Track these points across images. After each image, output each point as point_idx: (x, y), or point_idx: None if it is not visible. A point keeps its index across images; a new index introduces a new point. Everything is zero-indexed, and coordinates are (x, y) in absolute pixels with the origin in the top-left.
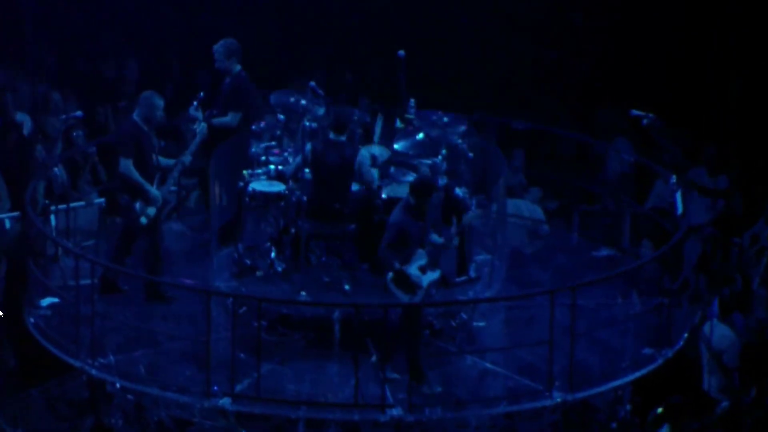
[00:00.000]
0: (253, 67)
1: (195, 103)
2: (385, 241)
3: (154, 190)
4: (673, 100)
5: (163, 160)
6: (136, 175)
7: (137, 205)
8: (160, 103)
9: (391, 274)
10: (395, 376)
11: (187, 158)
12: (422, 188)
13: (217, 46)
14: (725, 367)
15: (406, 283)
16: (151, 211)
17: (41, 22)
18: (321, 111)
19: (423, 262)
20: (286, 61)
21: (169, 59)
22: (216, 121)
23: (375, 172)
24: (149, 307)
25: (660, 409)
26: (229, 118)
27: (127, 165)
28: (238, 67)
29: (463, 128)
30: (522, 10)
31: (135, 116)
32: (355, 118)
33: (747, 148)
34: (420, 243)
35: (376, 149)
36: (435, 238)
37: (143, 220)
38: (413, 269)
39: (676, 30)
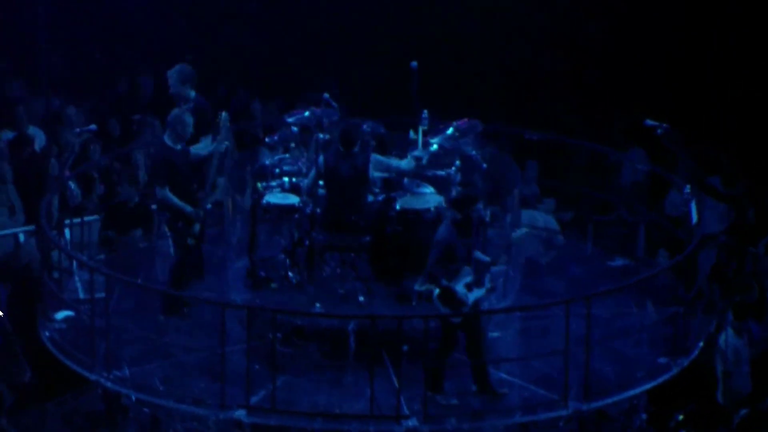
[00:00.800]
0: (268, 79)
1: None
2: (433, 258)
3: (191, 209)
4: (687, 109)
5: (194, 149)
6: (175, 200)
7: (180, 225)
8: (190, 120)
9: (437, 291)
10: (454, 401)
11: (222, 145)
12: (464, 201)
13: (171, 72)
14: (740, 376)
15: (452, 300)
16: (196, 228)
17: (55, 35)
18: (334, 122)
19: (469, 279)
20: (300, 73)
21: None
22: (193, 150)
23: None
24: (164, 319)
25: (681, 416)
26: (203, 145)
27: (164, 194)
28: (193, 93)
29: (476, 138)
30: (536, 20)
31: (165, 137)
32: (368, 129)
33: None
34: (466, 260)
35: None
36: (480, 255)
37: (190, 241)
38: (459, 286)
39: (691, 41)
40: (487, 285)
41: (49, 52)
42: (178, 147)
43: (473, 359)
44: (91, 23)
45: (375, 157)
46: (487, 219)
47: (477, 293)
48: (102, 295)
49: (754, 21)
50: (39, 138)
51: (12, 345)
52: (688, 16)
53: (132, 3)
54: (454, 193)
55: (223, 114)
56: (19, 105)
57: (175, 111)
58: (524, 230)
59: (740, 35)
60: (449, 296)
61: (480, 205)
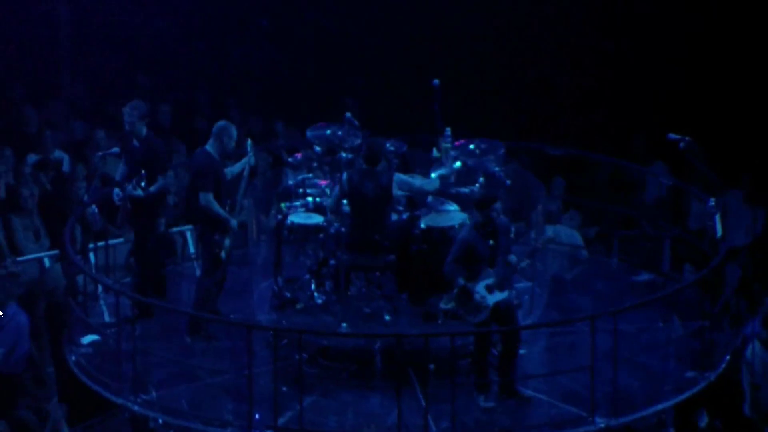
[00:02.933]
0: (291, 100)
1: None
2: (451, 255)
3: (233, 220)
4: (708, 122)
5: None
6: (217, 207)
7: (216, 237)
8: (235, 133)
9: (455, 291)
10: (490, 404)
11: (252, 159)
12: (484, 200)
13: (127, 109)
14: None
15: (468, 301)
16: (228, 242)
17: (76, 62)
18: (357, 142)
19: (490, 281)
20: (321, 93)
21: (199, 94)
22: (154, 188)
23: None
24: (190, 341)
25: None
26: (163, 182)
27: (208, 198)
28: (145, 130)
29: (500, 154)
30: (556, 37)
31: (209, 148)
32: (392, 148)
33: None
34: (490, 262)
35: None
36: (513, 258)
37: (223, 254)
38: (480, 287)
39: (712, 54)
40: (514, 302)
41: (70, 79)
42: (218, 159)
43: (476, 351)
44: (112, 50)
45: (398, 176)
46: (512, 235)
47: (499, 296)
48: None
49: None
50: (65, 162)
51: (39, 370)
52: (708, 30)
53: (151, 28)
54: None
55: (248, 141)
56: (45, 129)
57: (221, 122)
58: (551, 236)
59: (762, 48)
60: (466, 296)
61: (498, 205)
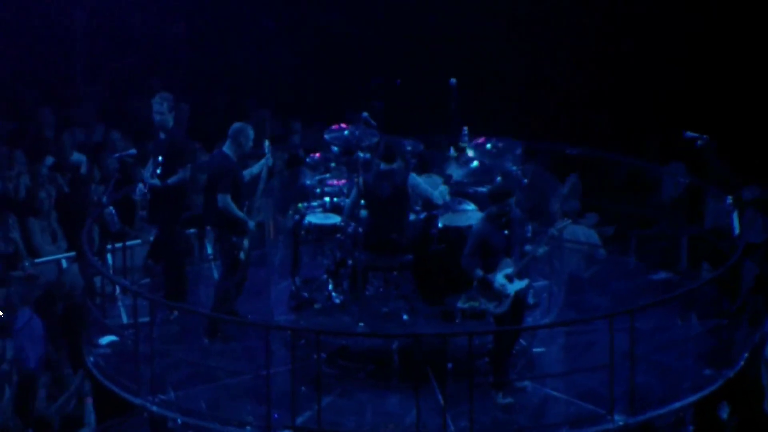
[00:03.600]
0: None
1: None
2: (467, 249)
3: (251, 222)
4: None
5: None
6: (235, 209)
7: (234, 239)
8: (252, 134)
9: (475, 283)
10: (509, 400)
11: (269, 160)
12: (499, 192)
13: (157, 99)
14: None
15: (489, 290)
16: (247, 243)
17: (93, 63)
18: (374, 141)
19: (509, 270)
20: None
21: (217, 94)
22: (172, 180)
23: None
24: (208, 342)
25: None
26: (182, 175)
27: (226, 200)
28: (172, 121)
29: (517, 153)
30: (572, 37)
31: (226, 149)
32: (409, 148)
33: None
34: (506, 252)
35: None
36: (527, 247)
37: (242, 255)
38: (499, 277)
39: (727, 52)
40: (530, 301)
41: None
42: (235, 161)
43: (496, 348)
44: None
45: (413, 179)
46: (528, 234)
47: (519, 284)
48: (146, 319)
49: None
50: (83, 164)
51: (57, 372)
52: (723, 28)
53: (168, 31)
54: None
55: (266, 142)
56: (62, 132)
57: (237, 124)
58: (567, 222)
59: None
60: (486, 286)
61: (512, 200)
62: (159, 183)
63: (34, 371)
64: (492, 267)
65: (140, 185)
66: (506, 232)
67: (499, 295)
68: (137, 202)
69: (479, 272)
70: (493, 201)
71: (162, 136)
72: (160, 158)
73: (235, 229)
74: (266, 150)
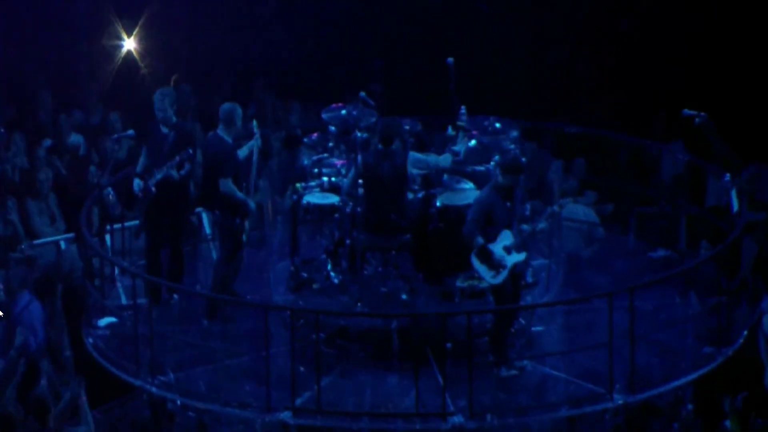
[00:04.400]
0: (305, 80)
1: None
2: (470, 216)
3: (252, 202)
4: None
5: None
6: (238, 192)
7: (237, 221)
8: (241, 113)
9: (474, 250)
10: (513, 372)
11: (258, 140)
12: (513, 166)
13: (158, 95)
14: None
15: (488, 259)
16: (247, 225)
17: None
18: (372, 121)
19: (509, 242)
20: (338, 73)
21: (221, 77)
22: (183, 172)
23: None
24: (207, 324)
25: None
26: (190, 167)
27: (227, 184)
28: (174, 116)
29: (515, 134)
30: (571, 16)
31: (220, 132)
32: (407, 127)
33: None
34: (507, 224)
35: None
36: (524, 227)
37: (244, 237)
38: (498, 248)
39: (727, 31)
40: (529, 279)
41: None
42: (230, 141)
43: (496, 325)
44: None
45: (413, 154)
46: (527, 213)
47: (517, 257)
48: (144, 301)
49: None
50: (82, 145)
51: (57, 354)
52: (724, 8)
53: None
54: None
55: (253, 122)
56: (60, 113)
57: (227, 105)
58: (568, 200)
59: None
60: (485, 255)
61: (522, 177)
62: (176, 176)
63: (35, 355)
64: (492, 237)
65: (137, 180)
66: (509, 204)
67: (497, 266)
68: (137, 197)
69: (480, 240)
70: (506, 172)
71: (165, 131)
72: (179, 155)
73: (237, 212)
74: (254, 130)
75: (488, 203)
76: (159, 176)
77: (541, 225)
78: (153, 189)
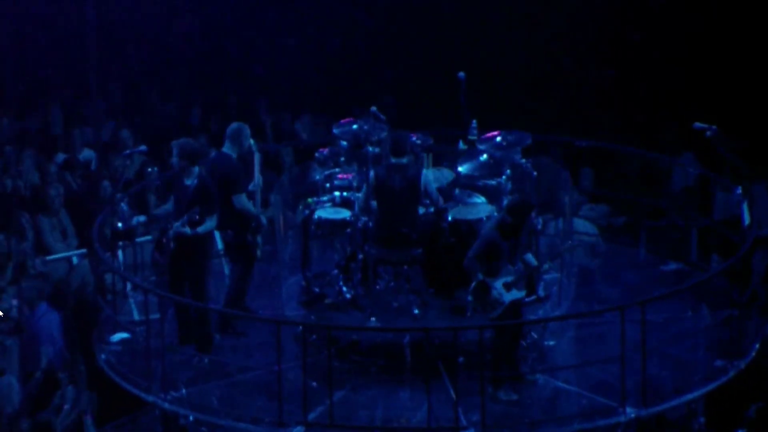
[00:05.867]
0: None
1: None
2: (473, 251)
3: (264, 218)
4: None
5: None
6: (252, 207)
7: (249, 238)
8: (249, 132)
9: (473, 284)
10: (514, 397)
11: (260, 179)
12: (520, 209)
13: (176, 149)
14: None
15: (484, 296)
16: (260, 240)
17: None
18: (383, 135)
19: (509, 279)
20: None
21: (228, 91)
22: (201, 229)
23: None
24: (219, 338)
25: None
26: (210, 224)
27: (241, 199)
28: (197, 169)
29: (528, 143)
30: (581, 30)
31: (227, 150)
32: (419, 141)
33: None
34: (510, 260)
35: (446, 172)
36: (530, 258)
37: (258, 252)
38: (498, 284)
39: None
40: (541, 293)
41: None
42: (235, 157)
43: (496, 345)
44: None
45: (427, 177)
46: (539, 227)
47: (515, 294)
48: (157, 316)
49: None
50: (93, 161)
51: (71, 369)
52: (732, 19)
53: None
54: (508, 200)
55: (251, 141)
56: (72, 128)
57: (235, 124)
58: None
59: None
60: (483, 291)
61: (533, 214)
62: (189, 231)
63: (54, 364)
64: (494, 272)
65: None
66: (513, 240)
67: (494, 301)
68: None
69: (480, 276)
70: (510, 213)
71: (186, 182)
72: (196, 209)
73: (249, 228)
74: (253, 148)
75: (490, 240)
76: (172, 231)
77: (546, 266)
78: (171, 243)
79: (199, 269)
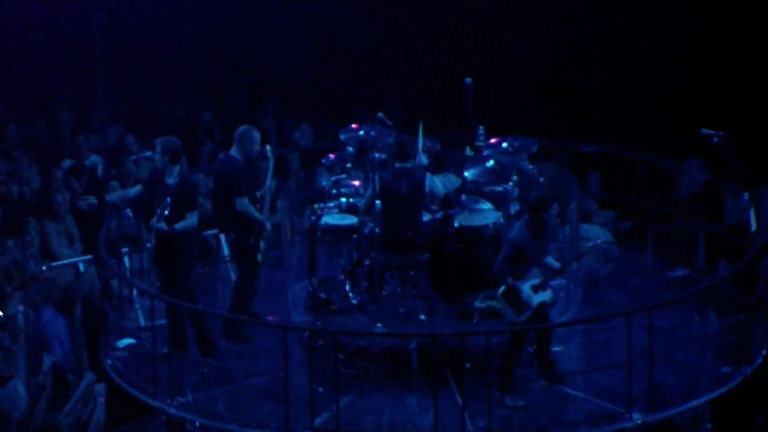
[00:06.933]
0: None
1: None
2: (503, 256)
3: (268, 223)
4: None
5: None
6: (253, 211)
7: (252, 242)
8: (258, 137)
9: (502, 288)
10: (520, 402)
11: (272, 183)
12: (540, 204)
13: (158, 147)
14: None
15: (515, 299)
16: (263, 244)
17: (113, 65)
18: (390, 141)
19: (537, 281)
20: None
21: (235, 95)
22: (180, 226)
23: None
24: (226, 344)
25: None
26: (190, 221)
27: (244, 203)
28: (178, 167)
29: (534, 149)
30: (587, 35)
31: (234, 153)
32: (425, 147)
33: None
34: (536, 262)
35: (452, 177)
36: (551, 261)
37: (260, 257)
38: (526, 287)
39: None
40: (549, 300)
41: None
42: (242, 160)
43: (508, 350)
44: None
45: (433, 181)
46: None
47: (543, 296)
48: (163, 322)
49: None
50: (100, 167)
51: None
52: (739, 24)
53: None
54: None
55: (267, 147)
56: (79, 134)
57: (243, 127)
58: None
59: None
60: (513, 294)
61: (554, 210)
62: (165, 227)
63: (63, 367)
64: (521, 275)
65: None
66: (541, 241)
67: (523, 306)
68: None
69: (510, 280)
70: (533, 213)
71: (169, 180)
72: (168, 199)
73: (251, 232)
74: (268, 154)
75: (521, 242)
76: (155, 228)
77: (573, 266)
78: (152, 241)
79: (181, 269)
